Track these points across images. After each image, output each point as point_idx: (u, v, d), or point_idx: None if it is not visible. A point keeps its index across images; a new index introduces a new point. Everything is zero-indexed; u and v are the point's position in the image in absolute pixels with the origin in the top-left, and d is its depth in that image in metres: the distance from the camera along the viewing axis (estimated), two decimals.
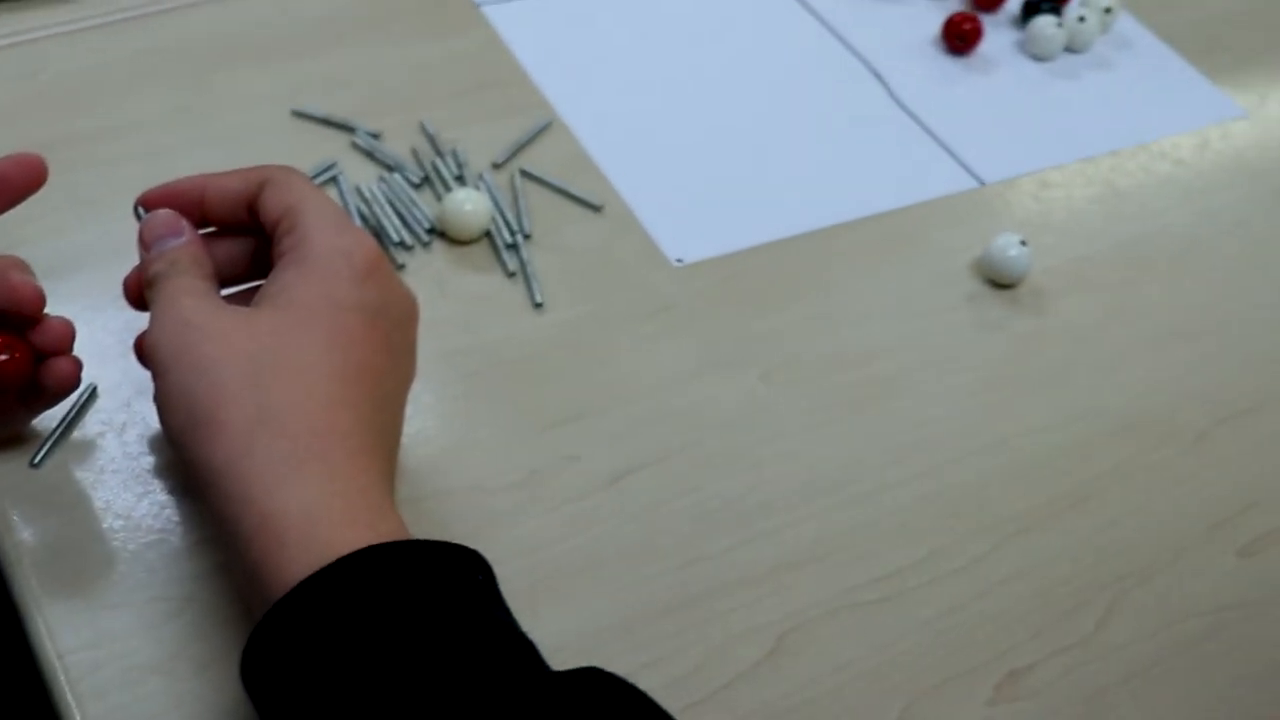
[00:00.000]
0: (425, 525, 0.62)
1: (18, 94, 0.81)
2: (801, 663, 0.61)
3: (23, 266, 0.59)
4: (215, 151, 0.78)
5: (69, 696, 0.56)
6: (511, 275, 0.75)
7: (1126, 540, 0.68)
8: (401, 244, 0.75)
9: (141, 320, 0.57)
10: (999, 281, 0.79)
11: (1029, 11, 0.97)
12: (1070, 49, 0.97)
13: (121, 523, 0.61)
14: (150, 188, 0.61)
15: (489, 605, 0.51)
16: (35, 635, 0.58)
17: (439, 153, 0.81)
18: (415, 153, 0.81)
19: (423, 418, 0.67)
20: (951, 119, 0.90)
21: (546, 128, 0.84)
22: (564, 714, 0.47)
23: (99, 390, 0.65)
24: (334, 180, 0.78)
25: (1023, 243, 0.79)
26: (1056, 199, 0.86)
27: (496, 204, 0.78)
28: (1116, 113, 0.93)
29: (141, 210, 0.60)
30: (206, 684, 0.57)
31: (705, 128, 0.87)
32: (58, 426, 0.62)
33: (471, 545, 0.52)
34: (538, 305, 0.74)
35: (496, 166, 0.81)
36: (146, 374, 0.56)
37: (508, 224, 0.77)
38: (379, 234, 0.76)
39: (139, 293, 0.59)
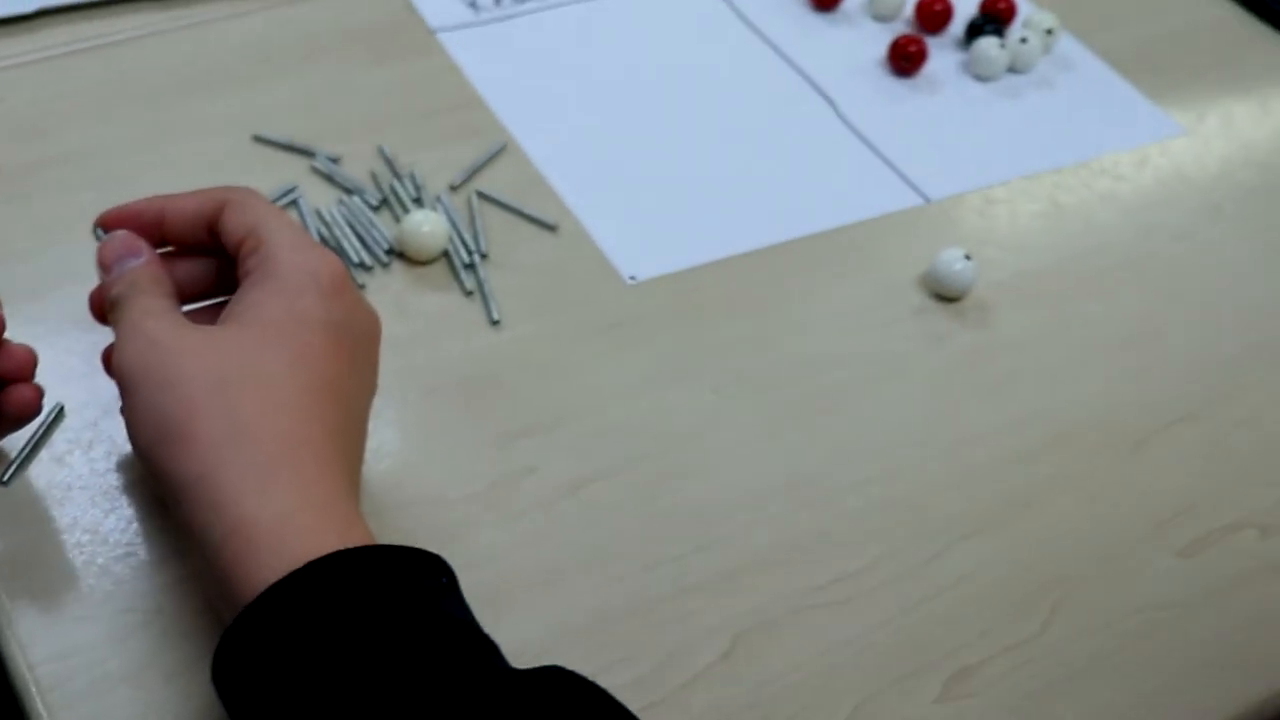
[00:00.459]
0: (388, 536, 0.62)
1: None
2: (756, 663, 0.63)
3: None
4: (176, 177, 0.77)
5: (40, 706, 0.57)
6: (469, 294, 0.77)
7: (1069, 543, 0.70)
8: (361, 265, 0.77)
9: (107, 335, 0.59)
10: (945, 295, 0.81)
11: (972, 33, 0.99)
12: (1013, 69, 0.98)
13: (90, 537, 0.62)
14: (109, 208, 0.62)
15: (452, 607, 0.52)
16: (6, 647, 0.59)
17: (397, 175, 0.82)
18: (374, 176, 0.82)
19: (384, 432, 0.69)
20: (898, 138, 0.92)
21: (502, 150, 0.85)
22: (527, 710, 0.49)
23: (66, 410, 0.66)
24: (294, 203, 0.79)
25: (967, 257, 0.80)
26: (1000, 215, 0.87)
27: (454, 225, 0.79)
28: (1058, 131, 0.95)
29: (100, 231, 0.61)
30: (175, 692, 0.58)
31: (657, 149, 0.88)
32: (26, 445, 0.63)
33: None
34: (495, 323, 0.75)
35: (454, 188, 0.82)
36: (113, 394, 0.57)
37: (465, 244, 0.79)
38: (339, 255, 0.77)
39: (104, 309, 0.60)
